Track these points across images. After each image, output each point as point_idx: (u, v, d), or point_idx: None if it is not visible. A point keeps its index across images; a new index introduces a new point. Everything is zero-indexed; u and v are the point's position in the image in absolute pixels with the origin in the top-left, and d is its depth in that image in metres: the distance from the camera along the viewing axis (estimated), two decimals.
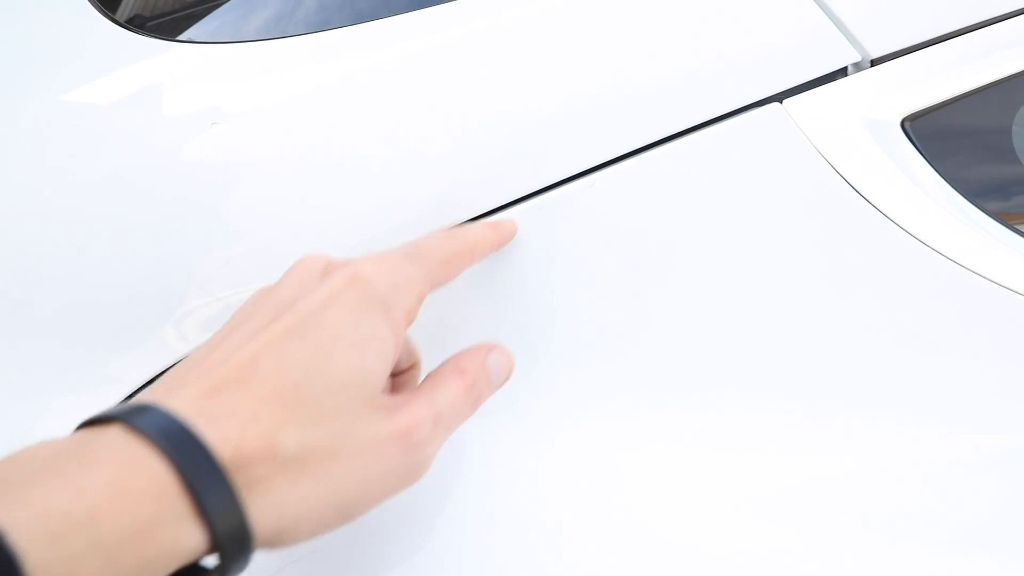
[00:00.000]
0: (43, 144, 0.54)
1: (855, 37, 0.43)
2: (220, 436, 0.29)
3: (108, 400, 0.43)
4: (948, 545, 0.41)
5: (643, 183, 0.42)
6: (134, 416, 0.29)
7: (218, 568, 0.29)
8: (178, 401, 0.30)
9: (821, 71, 0.43)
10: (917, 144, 0.43)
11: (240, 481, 0.29)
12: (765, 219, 0.42)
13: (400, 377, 0.40)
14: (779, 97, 0.43)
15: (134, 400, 0.31)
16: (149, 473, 0.27)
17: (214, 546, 0.28)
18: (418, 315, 0.36)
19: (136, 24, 0.61)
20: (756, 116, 0.42)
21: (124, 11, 0.63)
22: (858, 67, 0.44)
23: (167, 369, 0.42)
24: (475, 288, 0.43)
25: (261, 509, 0.29)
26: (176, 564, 0.28)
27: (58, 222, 0.48)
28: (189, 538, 0.28)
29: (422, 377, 0.39)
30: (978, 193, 0.44)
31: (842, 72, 0.43)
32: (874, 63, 0.43)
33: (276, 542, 0.30)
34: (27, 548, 0.24)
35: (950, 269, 0.43)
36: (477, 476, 0.41)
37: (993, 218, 0.44)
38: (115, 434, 0.28)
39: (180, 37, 0.57)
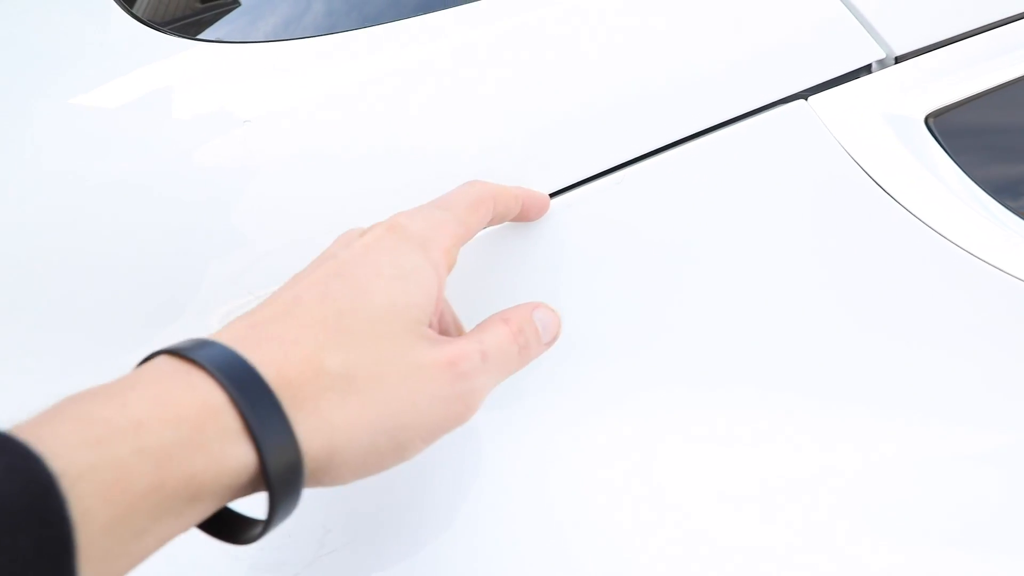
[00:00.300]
0: (65, 143, 0.54)
1: (880, 34, 0.43)
2: (263, 358, 0.29)
3: None
4: (953, 541, 0.41)
5: (670, 179, 0.43)
6: (179, 347, 0.29)
7: (269, 497, 0.28)
8: (225, 335, 0.30)
9: (846, 68, 0.43)
10: (941, 140, 0.44)
11: (286, 400, 0.28)
12: (789, 214, 0.43)
13: None
14: (804, 94, 0.43)
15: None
16: (194, 390, 0.27)
17: (262, 466, 0.27)
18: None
19: (157, 22, 0.61)
20: (782, 113, 0.43)
21: (143, 8, 0.63)
22: (882, 64, 0.44)
23: None
24: (499, 285, 0.44)
25: (310, 428, 0.29)
26: (225, 482, 0.27)
27: (77, 219, 0.48)
28: (238, 453, 0.27)
29: None
30: (1001, 189, 0.44)
31: (866, 69, 0.44)
32: (898, 60, 0.44)
33: (327, 467, 0.29)
34: (65, 453, 0.24)
35: (972, 264, 0.43)
36: (497, 472, 0.42)
37: (1016, 214, 0.45)
38: (160, 361, 0.29)
39: (201, 36, 0.57)
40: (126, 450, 0.25)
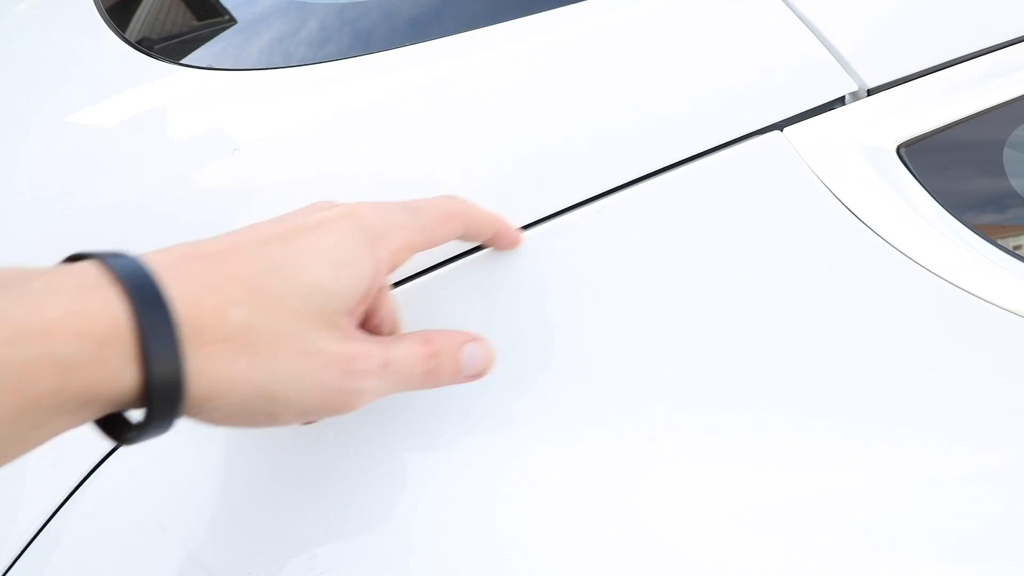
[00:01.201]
0: (58, 166, 0.55)
1: (852, 68, 0.45)
2: (181, 292, 0.30)
3: None
4: (941, 559, 0.42)
5: (650, 207, 0.44)
6: (108, 256, 0.30)
7: (144, 416, 0.30)
8: (156, 258, 0.31)
9: (820, 100, 0.45)
10: (912, 169, 0.45)
11: (186, 337, 0.30)
12: (766, 241, 0.44)
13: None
14: (780, 125, 0.44)
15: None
16: (106, 307, 0.28)
17: (145, 391, 0.29)
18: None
19: (146, 46, 0.62)
20: (759, 143, 0.44)
21: (135, 32, 0.64)
22: (855, 96, 0.45)
23: None
24: (479, 306, 0.45)
25: (199, 370, 0.30)
26: (116, 396, 0.29)
27: (68, 243, 0.49)
28: (131, 374, 0.29)
29: None
30: (970, 215, 0.46)
31: (840, 101, 0.45)
32: (871, 92, 0.45)
33: (202, 406, 0.31)
34: None
35: (944, 289, 0.45)
36: (487, 495, 0.43)
37: (984, 239, 0.46)
38: (86, 266, 0.30)
39: (194, 60, 0.58)
40: (33, 353, 0.27)
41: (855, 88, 0.45)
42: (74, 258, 0.31)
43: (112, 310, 0.28)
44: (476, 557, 0.41)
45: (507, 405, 0.44)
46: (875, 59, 0.45)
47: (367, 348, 0.34)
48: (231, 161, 0.47)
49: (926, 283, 0.44)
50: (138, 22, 0.64)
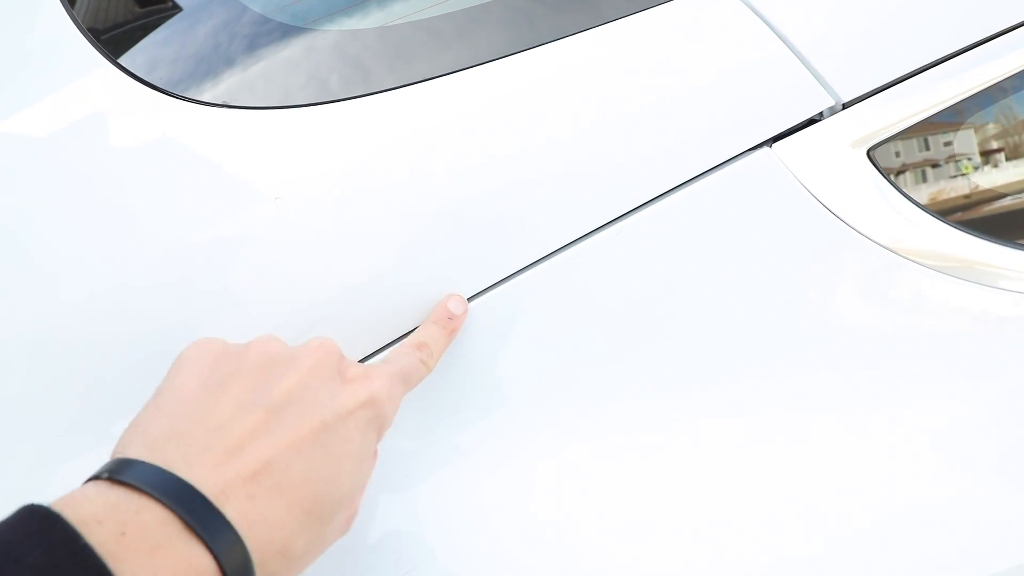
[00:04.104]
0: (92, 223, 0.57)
1: (830, 85, 0.50)
2: (254, 542, 0.34)
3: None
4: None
5: (663, 227, 0.49)
6: (184, 506, 0.32)
7: None
8: (213, 484, 0.33)
9: (802, 117, 0.50)
10: (881, 170, 0.52)
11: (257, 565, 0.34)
12: (762, 247, 0.50)
13: None
14: (769, 142, 0.50)
15: (159, 463, 0.34)
16: (190, 564, 0.32)
17: None
18: None
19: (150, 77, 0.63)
20: (752, 160, 0.50)
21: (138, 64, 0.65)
22: (832, 110, 0.51)
23: None
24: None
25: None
26: None
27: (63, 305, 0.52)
28: None
29: None
30: (933, 204, 0.53)
31: (820, 116, 0.51)
32: (846, 106, 0.51)
33: None
34: None
35: (922, 274, 0.52)
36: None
37: (947, 223, 0.53)
38: (173, 530, 0.32)
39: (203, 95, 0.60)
40: None
41: (832, 103, 0.51)
42: (131, 484, 0.32)
43: (196, 566, 0.32)
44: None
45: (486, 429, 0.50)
46: (848, 75, 0.51)
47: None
48: (273, 209, 0.50)
49: (905, 271, 0.51)
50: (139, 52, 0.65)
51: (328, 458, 0.37)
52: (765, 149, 0.50)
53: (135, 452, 0.34)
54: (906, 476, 0.49)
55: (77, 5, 0.71)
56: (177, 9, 0.64)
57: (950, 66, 0.52)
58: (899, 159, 0.53)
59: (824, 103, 0.51)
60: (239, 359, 0.39)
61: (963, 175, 0.54)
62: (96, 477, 0.33)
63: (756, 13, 0.51)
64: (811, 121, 0.51)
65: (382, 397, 0.40)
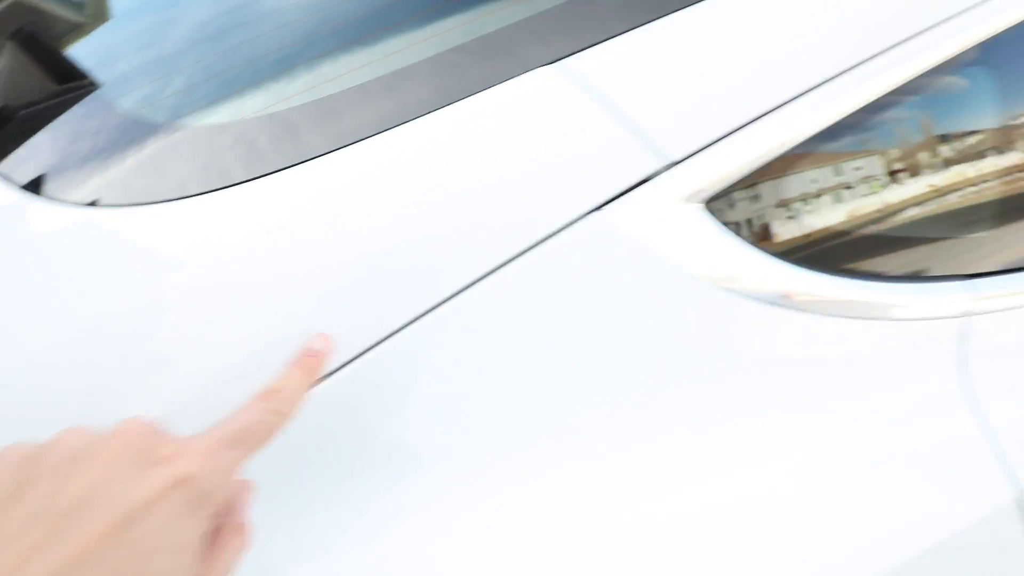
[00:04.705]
0: None
1: (657, 146, 0.53)
2: None
3: None
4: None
5: (508, 295, 0.52)
6: None
7: None
8: None
9: (636, 179, 0.53)
10: (720, 220, 0.54)
11: None
12: (608, 308, 0.53)
13: None
14: (601, 207, 0.53)
15: None
16: None
17: None
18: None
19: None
20: (587, 224, 0.52)
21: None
22: (663, 168, 0.53)
23: None
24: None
25: None
26: None
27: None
28: None
29: None
30: (771, 246, 0.55)
31: (652, 176, 0.53)
32: (673, 165, 0.53)
33: None
34: None
35: (770, 312, 0.54)
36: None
37: (791, 263, 0.56)
38: None
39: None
40: None
41: (662, 162, 0.53)
42: None
43: None
44: None
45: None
46: (676, 134, 0.53)
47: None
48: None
49: (753, 312, 0.54)
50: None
51: (132, 558, 0.33)
52: (598, 213, 0.52)
53: None
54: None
55: None
56: (53, 111, 0.67)
57: (781, 114, 0.54)
58: (735, 208, 0.55)
59: (654, 163, 0.53)
60: (39, 461, 0.35)
61: (798, 215, 0.57)
62: None
63: (585, 88, 0.53)
64: (645, 181, 0.53)
65: (198, 473, 0.36)
